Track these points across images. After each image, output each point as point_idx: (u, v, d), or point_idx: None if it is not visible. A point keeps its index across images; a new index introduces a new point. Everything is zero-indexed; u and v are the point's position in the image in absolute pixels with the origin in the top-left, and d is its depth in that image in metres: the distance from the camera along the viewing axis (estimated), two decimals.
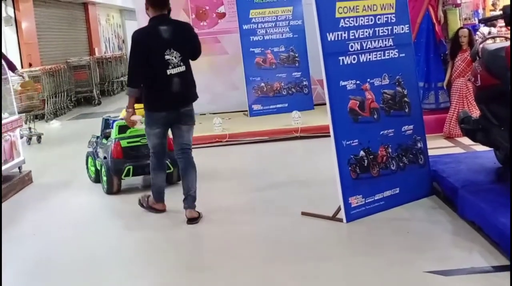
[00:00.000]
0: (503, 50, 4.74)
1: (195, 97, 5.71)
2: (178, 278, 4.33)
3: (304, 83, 11.24)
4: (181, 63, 5.50)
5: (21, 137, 10.21)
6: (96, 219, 5.96)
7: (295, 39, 11.18)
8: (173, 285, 4.24)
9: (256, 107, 11.08)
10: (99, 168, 6.97)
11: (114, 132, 6.78)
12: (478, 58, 5.39)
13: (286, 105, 10.92)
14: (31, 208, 6.61)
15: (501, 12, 5.12)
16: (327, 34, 4.96)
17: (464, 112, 5.95)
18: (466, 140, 6.93)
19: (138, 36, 5.49)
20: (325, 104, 5.08)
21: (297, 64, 11.24)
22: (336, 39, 5.00)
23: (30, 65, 14.34)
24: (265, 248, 4.73)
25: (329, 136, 5.05)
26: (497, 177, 5.41)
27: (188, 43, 5.65)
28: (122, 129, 6.73)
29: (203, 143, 9.07)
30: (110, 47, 24.13)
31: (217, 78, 11.92)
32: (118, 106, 16.10)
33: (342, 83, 5.05)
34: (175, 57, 5.46)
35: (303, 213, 5.33)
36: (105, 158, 6.77)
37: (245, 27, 11.05)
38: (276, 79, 11.16)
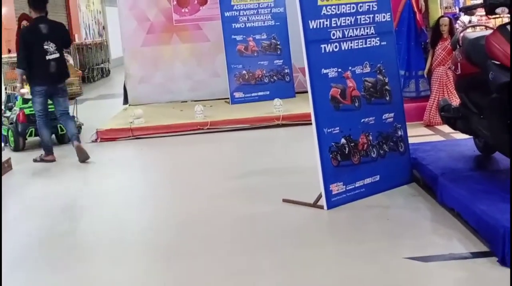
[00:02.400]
0: (483, 38, 4.76)
1: (67, 76, 7.94)
2: (158, 265, 4.32)
3: (286, 71, 11.24)
4: (56, 51, 7.55)
5: None
6: (76, 205, 5.94)
7: (277, 26, 11.18)
8: (153, 272, 4.24)
9: (237, 95, 11.07)
10: (5, 133, 8.64)
11: (18, 103, 8.68)
12: (458, 47, 5.43)
13: (268, 93, 10.92)
14: (10, 195, 6.56)
15: (481, 1, 5.14)
16: (309, 21, 4.96)
17: (444, 101, 6.00)
18: (446, 128, 6.99)
19: (24, 32, 7.94)
20: (306, 92, 5.08)
21: (279, 52, 11.23)
22: (318, 27, 5.01)
23: (9, 51, 14.15)
24: (246, 235, 4.75)
25: (311, 124, 5.06)
26: (476, 165, 5.47)
27: (61, 37, 7.72)
28: (25, 100, 8.57)
29: (185, 130, 9.08)
30: (90, 33, 23.91)
31: (198, 65, 11.91)
32: (99, 93, 16.02)
33: (324, 71, 5.05)
34: (51, 47, 7.50)
35: (284, 200, 5.35)
36: (11, 123, 8.57)
37: (227, 14, 11.01)
38: (258, 66, 11.15)
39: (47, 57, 7.46)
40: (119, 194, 6.31)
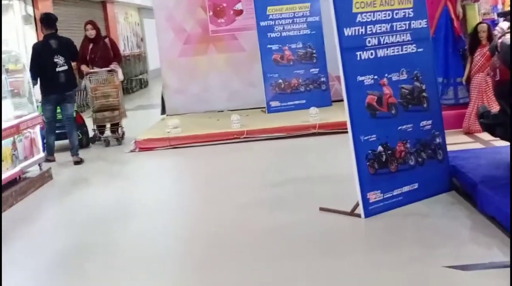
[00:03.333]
0: None
1: (74, 85, 8.81)
2: (191, 276, 4.34)
3: (322, 79, 11.22)
4: (65, 64, 8.45)
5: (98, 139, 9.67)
6: (112, 215, 5.99)
7: (313, 35, 11.17)
8: (184, 283, 4.25)
9: (274, 104, 11.08)
10: None
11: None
12: (497, 53, 5.35)
13: (304, 101, 10.90)
14: (50, 205, 6.68)
15: None
16: (344, 29, 4.95)
17: (483, 107, 5.91)
18: (485, 136, 6.88)
19: (36, 46, 8.67)
20: (343, 100, 5.05)
21: (314, 61, 11.22)
22: (353, 34, 4.99)
23: None
24: (283, 243, 4.73)
25: (347, 132, 5.04)
26: None
27: (69, 52, 8.64)
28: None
29: (221, 139, 9.11)
30: (128, 45, 24.23)
31: (234, 75, 11.95)
32: (137, 104, 16.23)
33: (360, 78, 5.03)
34: (61, 60, 8.40)
35: (321, 209, 5.33)
36: None
37: (262, 24, 11.06)
38: (293, 75, 11.16)
39: (57, 69, 8.36)
40: (154, 202, 6.35)
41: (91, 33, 9.75)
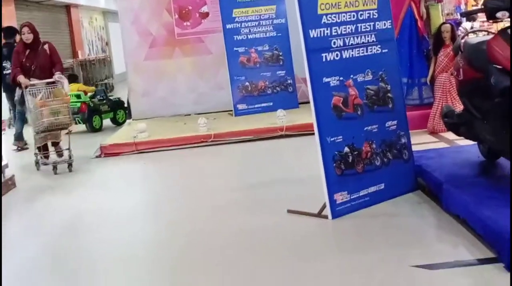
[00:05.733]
0: (484, 43, 4.75)
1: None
2: (163, 281, 4.29)
3: (289, 81, 11.25)
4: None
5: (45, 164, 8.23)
6: (80, 221, 5.92)
7: (279, 37, 11.20)
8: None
9: (241, 106, 11.07)
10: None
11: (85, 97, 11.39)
12: (460, 53, 5.41)
13: (271, 104, 10.93)
14: (14, 213, 6.55)
15: (482, 6, 5.13)
16: (310, 31, 4.95)
17: (447, 107, 5.98)
18: (450, 135, 6.96)
19: None
20: (309, 102, 5.06)
21: (281, 63, 11.25)
22: (318, 35, 4.99)
23: None
24: (251, 246, 4.71)
25: (314, 134, 5.04)
26: (481, 171, 5.43)
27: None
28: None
29: (188, 143, 9.06)
30: (93, 49, 24.02)
31: (201, 78, 11.93)
32: None
33: (325, 79, 5.04)
34: (8, 65, 9.67)
35: (289, 211, 5.32)
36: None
37: (228, 26, 11.05)
38: (260, 78, 11.17)
39: (4, 72, 10.18)
40: (123, 209, 6.29)
41: (28, 37, 8.46)
